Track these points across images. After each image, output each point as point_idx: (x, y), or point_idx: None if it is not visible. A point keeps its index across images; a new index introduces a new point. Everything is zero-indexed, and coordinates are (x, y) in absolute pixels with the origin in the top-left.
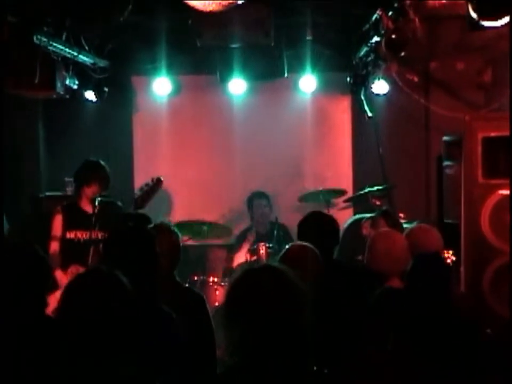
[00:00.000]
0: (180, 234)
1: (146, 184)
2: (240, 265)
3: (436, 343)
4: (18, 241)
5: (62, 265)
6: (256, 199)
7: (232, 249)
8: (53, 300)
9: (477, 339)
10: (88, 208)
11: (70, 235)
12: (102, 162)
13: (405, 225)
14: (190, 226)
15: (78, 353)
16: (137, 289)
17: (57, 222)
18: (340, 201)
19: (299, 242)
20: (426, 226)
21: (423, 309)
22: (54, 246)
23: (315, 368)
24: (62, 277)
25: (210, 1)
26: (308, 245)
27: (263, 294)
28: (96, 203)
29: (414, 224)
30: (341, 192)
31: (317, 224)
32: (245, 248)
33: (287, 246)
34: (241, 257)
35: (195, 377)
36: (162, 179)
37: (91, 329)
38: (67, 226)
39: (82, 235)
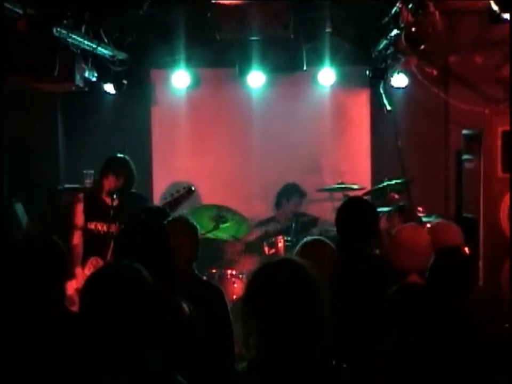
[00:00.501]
0: (198, 228)
1: (177, 191)
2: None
3: (451, 342)
4: (36, 234)
5: (83, 256)
6: (295, 197)
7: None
8: (69, 287)
9: (491, 339)
10: (108, 200)
11: (91, 226)
12: (126, 157)
13: (424, 219)
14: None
15: (98, 346)
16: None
17: (79, 211)
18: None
19: (315, 237)
20: (447, 222)
21: (441, 306)
22: (77, 236)
23: (334, 362)
24: (79, 268)
25: None
26: (324, 239)
27: (281, 288)
28: (115, 196)
29: (435, 220)
30: (359, 189)
31: (355, 211)
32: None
33: (303, 240)
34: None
35: (213, 371)
36: (193, 188)
37: (112, 323)
38: (88, 217)
39: (102, 227)
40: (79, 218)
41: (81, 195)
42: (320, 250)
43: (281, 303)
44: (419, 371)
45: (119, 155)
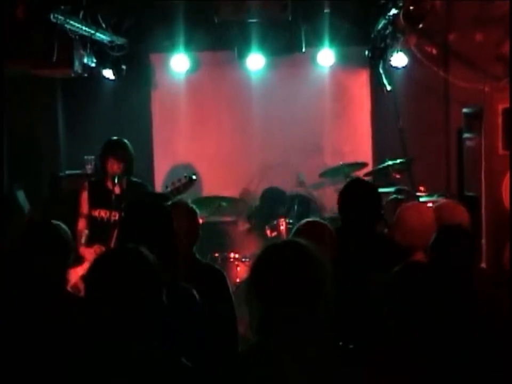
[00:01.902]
0: (197, 211)
1: (179, 180)
2: None
3: (455, 321)
4: (39, 221)
5: (87, 243)
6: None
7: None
8: (74, 275)
9: (497, 319)
10: (111, 187)
11: (95, 213)
12: (124, 140)
13: (424, 198)
14: (208, 202)
15: (102, 329)
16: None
17: (84, 199)
18: (360, 175)
19: (312, 219)
20: (453, 202)
21: (443, 284)
22: (82, 223)
23: (340, 343)
24: (86, 254)
25: None
26: (321, 221)
27: (286, 269)
28: (116, 180)
29: (440, 200)
30: (362, 165)
31: (358, 192)
32: None
33: (300, 222)
34: None
35: (217, 354)
36: (195, 178)
37: (117, 306)
38: (92, 204)
39: (106, 214)
40: (84, 206)
41: (85, 183)
42: (317, 231)
43: (286, 285)
44: (423, 352)
45: (116, 138)
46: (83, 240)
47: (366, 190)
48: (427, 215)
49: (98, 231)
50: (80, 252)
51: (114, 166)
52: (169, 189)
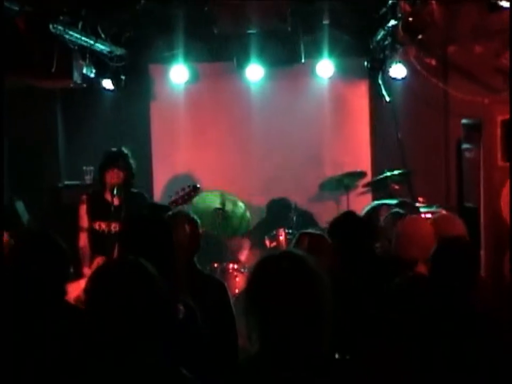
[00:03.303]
0: (198, 222)
1: (182, 189)
2: None
3: (454, 331)
4: (36, 230)
5: (90, 256)
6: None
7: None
8: (76, 288)
9: (497, 330)
10: (110, 199)
11: (95, 225)
12: (124, 150)
13: (424, 209)
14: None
15: (103, 341)
16: None
17: (83, 212)
18: (359, 186)
19: (311, 230)
20: (449, 214)
21: (444, 296)
22: (83, 238)
23: (337, 355)
24: (87, 269)
25: None
26: (319, 232)
27: (284, 280)
28: (115, 192)
29: (437, 212)
30: (361, 175)
31: (350, 226)
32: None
33: (299, 232)
34: None
35: (217, 365)
36: (199, 186)
37: (118, 318)
38: (92, 216)
39: (106, 226)
40: (84, 220)
41: (84, 196)
42: (315, 242)
43: (283, 296)
44: (423, 364)
45: (115, 149)
46: (86, 255)
47: (356, 223)
48: (427, 228)
49: (99, 243)
50: (84, 266)
51: (114, 177)
52: (173, 198)
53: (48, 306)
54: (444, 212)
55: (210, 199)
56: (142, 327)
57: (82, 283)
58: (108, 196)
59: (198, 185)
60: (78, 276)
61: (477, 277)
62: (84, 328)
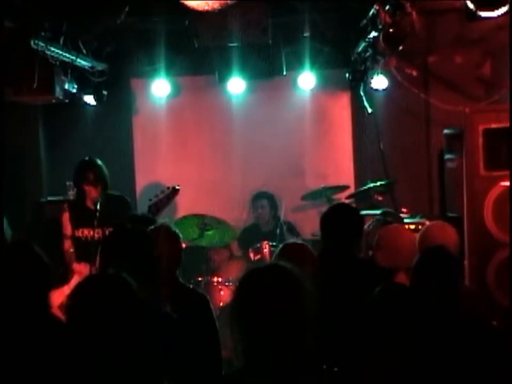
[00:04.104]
0: (180, 235)
1: (162, 192)
2: None
3: (439, 340)
4: (17, 242)
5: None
6: (256, 200)
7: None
8: (60, 295)
9: (482, 336)
10: (91, 205)
11: (78, 233)
12: (94, 161)
13: (407, 220)
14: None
15: (84, 355)
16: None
17: (66, 220)
18: (342, 197)
19: (294, 241)
20: (442, 223)
21: (427, 305)
22: (68, 244)
23: (324, 367)
24: (78, 268)
25: (206, 1)
26: (303, 243)
27: (269, 293)
28: (98, 206)
29: (422, 223)
30: (343, 188)
31: (340, 217)
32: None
33: (283, 243)
34: None
35: (200, 378)
36: (178, 188)
37: (99, 333)
38: (74, 224)
39: (89, 233)
40: (67, 228)
41: (65, 205)
42: (299, 253)
43: (270, 309)
44: (411, 371)
45: (86, 160)
46: (73, 258)
47: (348, 214)
48: (407, 237)
49: (83, 250)
50: (73, 267)
51: (91, 191)
52: (154, 201)
53: (30, 318)
54: (427, 222)
55: (190, 219)
56: (123, 341)
57: (66, 290)
58: (88, 204)
59: (178, 187)
60: (64, 280)
61: (460, 286)
62: (65, 341)
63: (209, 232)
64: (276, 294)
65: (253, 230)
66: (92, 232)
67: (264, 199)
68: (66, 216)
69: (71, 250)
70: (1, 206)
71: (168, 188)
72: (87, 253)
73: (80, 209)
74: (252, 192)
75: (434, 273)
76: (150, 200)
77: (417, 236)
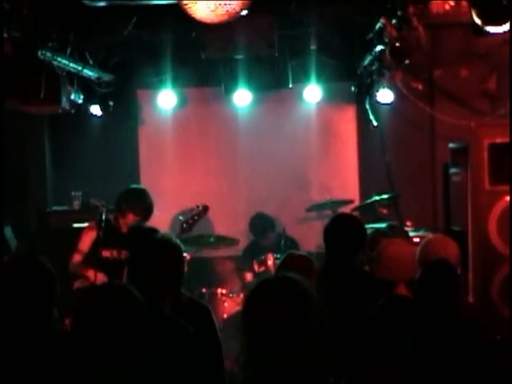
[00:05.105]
0: (182, 246)
1: (191, 210)
2: None
3: (440, 353)
4: (24, 255)
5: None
6: (268, 232)
7: (240, 260)
8: None
9: (481, 349)
10: (125, 230)
11: (106, 253)
12: (146, 193)
13: (411, 233)
14: (197, 239)
15: (88, 366)
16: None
17: (87, 238)
18: (346, 210)
19: (297, 251)
20: (442, 236)
21: (428, 318)
22: (77, 258)
23: (332, 379)
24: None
25: (214, 13)
26: (305, 254)
27: (278, 305)
28: (131, 230)
29: (429, 234)
30: (347, 203)
31: (343, 228)
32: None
33: (285, 254)
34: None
35: None
36: (208, 206)
37: (104, 343)
38: (102, 244)
39: (115, 253)
40: (84, 245)
41: (93, 223)
42: (301, 263)
43: (279, 320)
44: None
45: (137, 187)
46: (78, 273)
47: (350, 225)
48: (407, 249)
49: (109, 271)
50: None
51: (131, 220)
52: (185, 219)
53: (36, 330)
54: (431, 235)
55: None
56: (127, 351)
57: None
58: (123, 228)
59: (207, 205)
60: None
61: (458, 299)
62: (71, 352)
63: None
64: (285, 306)
65: (257, 243)
66: (117, 253)
67: (269, 231)
68: (90, 235)
69: (80, 263)
70: (2, 214)
71: (197, 206)
72: (112, 274)
73: (108, 229)
74: (256, 204)
75: (437, 286)
76: (180, 219)
77: (417, 248)
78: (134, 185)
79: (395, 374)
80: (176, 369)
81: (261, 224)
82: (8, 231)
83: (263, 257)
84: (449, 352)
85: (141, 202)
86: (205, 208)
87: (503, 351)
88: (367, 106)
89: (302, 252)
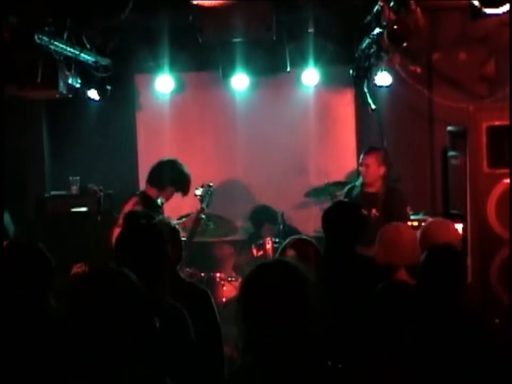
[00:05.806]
0: (180, 231)
1: (208, 188)
2: None
3: (442, 339)
4: (21, 241)
5: None
6: (267, 223)
7: (239, 245)
8: None
9: (484, 336)
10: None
11: None
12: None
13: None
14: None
15: (85, 350)
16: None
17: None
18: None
19: (299, 236)
20: (443, 220)
21: (432, 303)
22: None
23: (329, 363)
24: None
25: None
26: (307, 238)
27: (275, 289)
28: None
29: (430, 218)
30: (346, 184)
31: (341, 215)
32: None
33: (287, 239)
34: None
35: (203, 374)
36: (204, 207)
37: (101, 327)
38: None
39: None
40: None
41: (137, 198)
42: (303, 249)
43: (276, 304)
44: (413, 369)
45: (171, 160)
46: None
47: (349, 212)
48: (407, 234)
49: None
50: None
51: (169, 193)
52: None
53: (33, 316)
54: (430, 219)
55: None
56: (124, 336)
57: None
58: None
59: (203, 206)
60: None
61: (464, 284)
62: (67, 338)
63: (211, 226)
64: (282, 290)
65: (257, 235)
66: None
67: (271, 223)
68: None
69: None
70: (2, 201)
71: (203, 185)
72: None
73: (154, 207)
74: (254, 188)
75: (442, 271)
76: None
77: (418, 233)
78: (166, 159)
79: (395, 368)
80: (175, 355)
81: (262, 217)
82: (6, 217)
83: (261, 241)
84: (450, 343)
85: (182, 176)
86: (201, 209)
87: (502, 338)
88: (365, 90)
89: (303, 236)
